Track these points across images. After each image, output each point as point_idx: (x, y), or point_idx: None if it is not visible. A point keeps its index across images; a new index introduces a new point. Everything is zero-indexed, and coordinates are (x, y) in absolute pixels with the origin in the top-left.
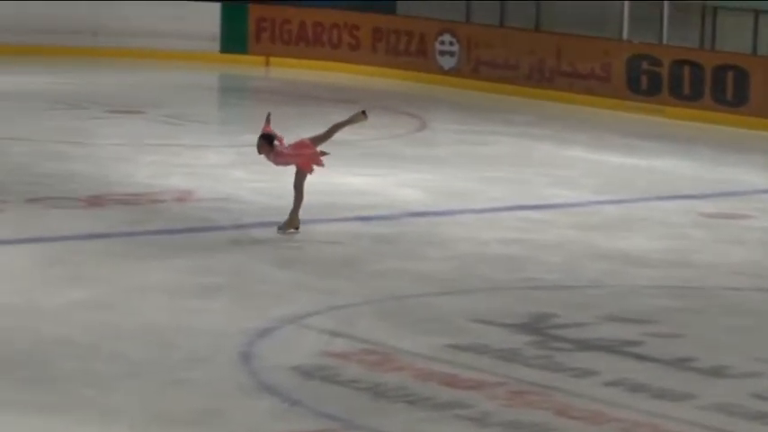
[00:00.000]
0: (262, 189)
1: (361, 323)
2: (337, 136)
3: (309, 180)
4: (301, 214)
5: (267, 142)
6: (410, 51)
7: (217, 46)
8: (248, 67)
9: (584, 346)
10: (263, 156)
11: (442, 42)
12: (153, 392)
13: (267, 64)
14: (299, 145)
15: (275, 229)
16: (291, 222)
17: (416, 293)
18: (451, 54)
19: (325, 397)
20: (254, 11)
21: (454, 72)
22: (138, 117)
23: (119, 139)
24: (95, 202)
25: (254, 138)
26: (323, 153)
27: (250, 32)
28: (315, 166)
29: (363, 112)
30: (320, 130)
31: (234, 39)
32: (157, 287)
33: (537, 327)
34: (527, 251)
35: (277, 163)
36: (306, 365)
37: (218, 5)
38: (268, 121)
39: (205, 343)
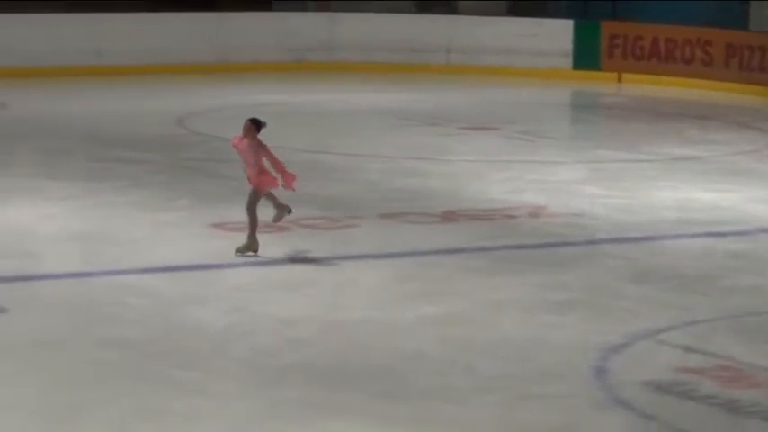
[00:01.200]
0: (615, 205)
1: (717, 339)
2: (688, 152)
3: (663, 196)
4: (654, 230)
5: (256, 127)
6: (764, 67)
7: (569, 63)
8: (601, 84)
9: None
10: (245, 140)
11: None
12: (508, 407)
13: (619, 80)
14: (284, 166)
15: (629, 245)
16: (250, 246)
17: None
18: None
19: (679, 413)
20: (607, 27)
21: None
22: (491, 133)
23: (472, 155)
24: (449, 217)
25: (607, 153)
26: (290, 211)
27: (603, 49)
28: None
29: (289, 211)
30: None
31: (586, 55)
32: (511, 302)
33: None
34: None
35: (249, 152)
36: (660, 381)
37: (570, 23)
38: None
39: (559, 358)
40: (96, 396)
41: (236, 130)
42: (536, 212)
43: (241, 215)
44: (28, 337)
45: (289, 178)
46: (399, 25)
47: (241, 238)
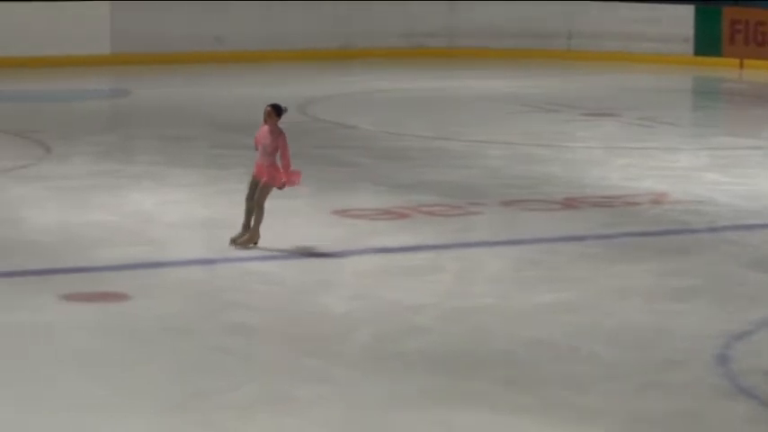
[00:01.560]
0: (736, 192)
1: None
2: None
3: None
4: None
5: (276, 112)
6: None
7: (690, 48)
8: (722, 70)
9: None
10: (265, 126)
11: None
12: (630, 394)
13: (741, 66)
14: (289, 162)
15: (751, 232)
16: (252, 237)
17: None
18: None
19: None
20: (728, 13)
21: None
22: (611, 120)
23: (592, 141)
24: (570, 204)
25: (729, 140)
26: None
27: (724, 34)
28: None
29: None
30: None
31: (708, 41)
32: (633, 289)
33: None
34: None
35: (269, 138)
36: None
37: (692, 8)
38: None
39: (681, 345)
40: (221, 382)
41: (358, 117)
42: (657, 199)
43: (364, 201)
44: (154, 323)
45: (293, 176)
46: (520, 11)
47: (363, 225)
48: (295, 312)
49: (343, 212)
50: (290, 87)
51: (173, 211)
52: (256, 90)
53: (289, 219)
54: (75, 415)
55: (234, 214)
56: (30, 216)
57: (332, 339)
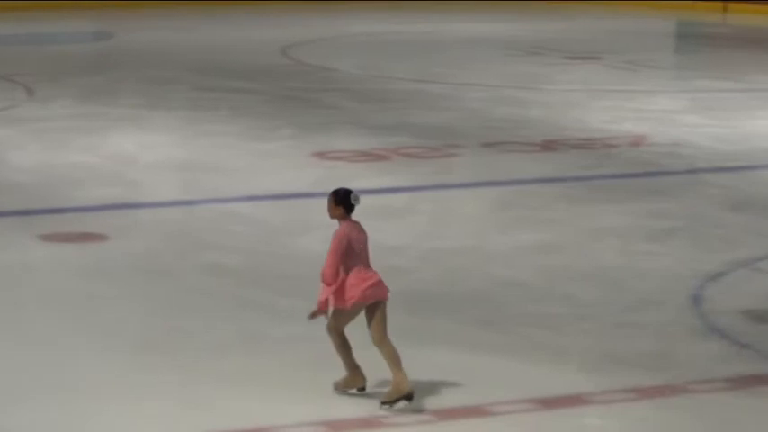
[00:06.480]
0: (715, 134)
1: None
2: None
3: (763, 125)
4: (753, 159)
5: (341, 204)
6: None
7: None
8: (705, 13)
9: None
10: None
11: None
12: (603, 334)
13: (725, 10)
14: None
15: (728, 174)
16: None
17: None
18: None
19: None
20: None
21: None
22: (593, 63)
23: (573, 84)
24: (549, 146)
25: (710, 83)
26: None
27: None
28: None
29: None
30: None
31: None
32: (609, 230)
33: None
34: None
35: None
36: (756, 309)
37: None
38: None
39: (656, 286)
40: (196, 322)
41: (341, 60)
42: (636, 141)
43: (344, 143)
44: (130, 263)
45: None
46: None
47: (343, 167)
48: (273, 253)
49: (322, 155)
50: (273, 30)
51: (152, 153)
52: (240, 33)
53: (269, 161)
54: (50, 351)
55: (214, 156)
56: (10, 157)
57: (309, 280)
